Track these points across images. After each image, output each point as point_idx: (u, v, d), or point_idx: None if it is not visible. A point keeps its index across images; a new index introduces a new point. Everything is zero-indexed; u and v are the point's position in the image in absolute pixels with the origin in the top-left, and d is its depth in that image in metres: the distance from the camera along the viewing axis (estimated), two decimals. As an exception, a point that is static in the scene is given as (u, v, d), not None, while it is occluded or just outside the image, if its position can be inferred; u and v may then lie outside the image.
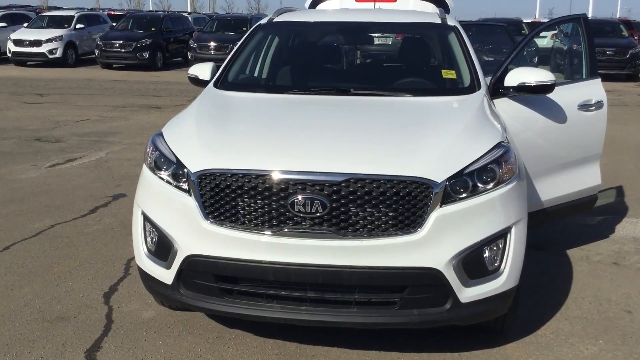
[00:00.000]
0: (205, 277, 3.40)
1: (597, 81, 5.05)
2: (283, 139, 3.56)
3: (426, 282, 3.24)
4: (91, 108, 13.60)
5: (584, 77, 5.12)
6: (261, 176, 3.23)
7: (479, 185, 3.31)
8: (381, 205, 3.17)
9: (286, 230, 3.22)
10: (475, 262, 3.29)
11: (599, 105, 4.96)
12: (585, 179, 5.08)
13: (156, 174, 3.59)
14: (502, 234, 3.37)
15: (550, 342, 3.90)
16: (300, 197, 3.17)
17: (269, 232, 3.24)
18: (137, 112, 13.05)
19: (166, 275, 3.50)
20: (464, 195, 3.26)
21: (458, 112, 4.00)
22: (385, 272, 3.20)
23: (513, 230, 3.40)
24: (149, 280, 3.67)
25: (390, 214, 3.17)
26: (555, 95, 4.69)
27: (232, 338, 3.89)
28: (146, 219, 3.63)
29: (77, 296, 4.45)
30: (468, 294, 3.29)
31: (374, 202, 3.17)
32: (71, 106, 13.87)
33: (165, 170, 3.55)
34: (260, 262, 3.26)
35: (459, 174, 3.26)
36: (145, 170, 3.72)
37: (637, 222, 6.28)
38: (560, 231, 6.05)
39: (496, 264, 3.38)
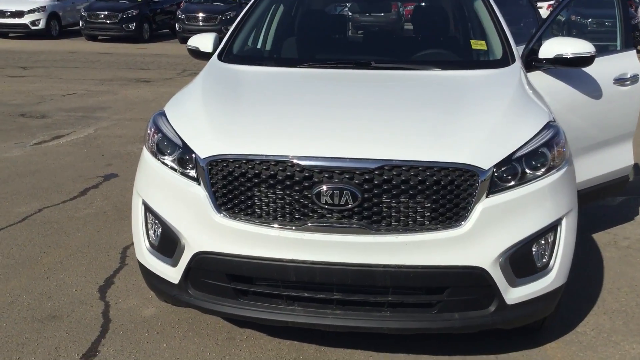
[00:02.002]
0: (217, 276, 3.01)
1: (632, 53, 4.66)
2: (305, 120, 3.14)
3: (469, 282, 2.86)
4: (77, 82, 13.05)
5: (619, 48, 4.72)
6: (282, 163, 2.82)
7: (528, 172, 2.92)
8: (419, 195, 2.77)
9: (310, 224, 2.82)
10: (523, 259, 2.92)
11: (634, 79, 4.58)
12: (618, 159, 4.72)
13: (159, 159, 3.17)
14: (553, 227, 2.99)
15: (592, 340, 3.56)
16: (327, 187, 2.76)
17: (291, 227, 2.84)
18: (125, 86, 12.52)
19: (172, 274, 3.10)
20: (512, 183, 2.87)
21: (497, 88, 3.59)
22: (423, 272, 2.82)
23: (564, 221, 3.03)
24: (151, 278, 3.27)
25: (430, 205, 2.78)
26: (589, 69, 4.29)
27: (244, 339, 3.50)
28: (148, 209, 3.21)
29: (70, 291, 4.05)
30: (515, 294, 2.92)
31: (412, 193, 2.77)
32: (56, 80, 13.31)
33: (170, 154, 3.13)
34: (281, 260, 2.87)
35: (508, 160, 2.87)
36: (146, 155, 3.30)
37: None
38: (581, 214, 5.65)
39: (545, 260, 3.01)
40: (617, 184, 4.82)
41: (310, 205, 2.82)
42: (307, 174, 2.79)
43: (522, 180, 2.90)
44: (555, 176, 2.98)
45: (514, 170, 2.88)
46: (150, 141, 3.27)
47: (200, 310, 3.18)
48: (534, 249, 2.95)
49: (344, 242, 2.81)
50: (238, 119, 3.16)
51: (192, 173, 3.00)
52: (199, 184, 2.96)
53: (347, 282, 2.85)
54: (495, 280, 2.84)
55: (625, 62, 4.60)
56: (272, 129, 3.04)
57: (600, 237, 5.11)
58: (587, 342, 3.54)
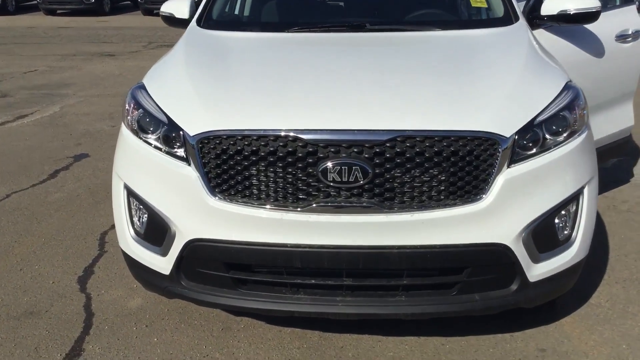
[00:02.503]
0: (214, 265, 2.73)
1: (632, 8, 4.44)
2: (305, 89, 2.84)
3: (491, 261, 2.63)
4: (38, 58, 12.49)
5: (618, 3, 4.48)
6: (282, 138, 2.54)
7: (549, 138, 2.68)
8: (436, 168, 2.52)
9: (315, 205, 2.55)
10: (546, 233, 2.70)
11: (636, 35, 4.37)
12: (620, 119, 4.54)
13: (141, 138, 2.86)
14: (575, 196, 2.77)
15: (608, 313, 3.37)
16: (333, 162, 2.49)
17: (295, 209, 2.57)
18: (89, 61, 12.01)
19: (162, 264, 2.82)
20: (533, 151, 2.63)
21: (507, 48, 3.32)
22: (442, 252, 2.58)
23: (586, 190, 2.81)
24: (138, 269, 2.98)
25: (447, 179, 2.53)
26: (591, 25, 4.06)
27: (242, 329, 3.24)
28: (131, 194, 2.91)
29: (47, 283, 3.73)
30: (537, 271, 2.70)
31: (427, 166, 2.52)
32: (16, 56, 12.72)
33: (153, 132, 2.82)
34: (285, 245, 2.60)
35: (529, 126, 2.62)
36: (126, 133, 2.98)
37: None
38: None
39: (566, 232, 2.79)
40: (619, 145, 4.64)
41: (315, 184, 2.54)
42: (310, 149, 2.52)
43: (544, 147, 2.66)
44: (577, 141, 2.75)
45: (535, 137, 2.64)
46: (129, 118, 2.95)
47: (195, 302, 2.90)
48: (556, 221, 2.73)
49: (354, 223, 2.55)
50: (230, 91, 2.85)
51: (180, 152, 2.70)
52: (189, 165, 2.67)
53: (358, 266, 2.60)
54: (518, 257, 2.62)
55: (626, 17, 4.38)
56: (270, 100, 2.74)
57: (598, 202, 4.92)
58: (604, 315, 3.35)
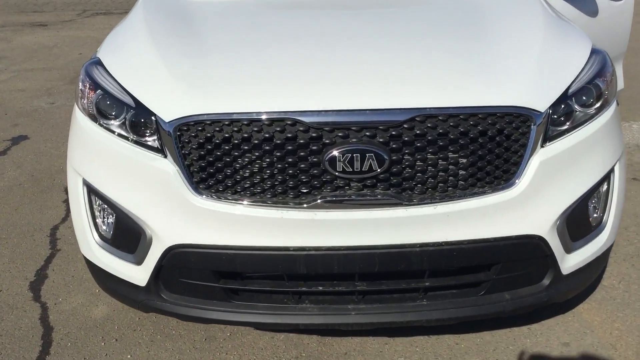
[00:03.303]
0: (200, 274, 2.31)
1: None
2: (303, 62, 2.39)
3: (524, 255, 2.29)
4: (-39, 29, 11.49)
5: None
6: (279, 122, 2.12)
7: (579, 110, 2.33)
8: (461, 152, 2.15)
9: (320, 200, 2.15)
10: (580, 219, 2.38)
11: (627, -9, 4.07)
12: None
13: (101, 125, 2.38)
14: (607, 175, 2.44)
15: (624, 296, 3.11)
16: (341, 149, 2.09)
17: (297, 205, 2.16)
18: (19, 32, 11.11)
19: (136, 274, 2.38)
20: (565, 127, 2.28)
21: (521, 8, 2.92)
22: (469, 248, 2.22)
23: (617, 167, 2.49)
24: (106, 280, 2.53)
25: (475, 163, 2.17)
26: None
27: (228, 338, 2.84)
28: (92, 191, 2.44)
29: (-7, 292, 3.24)
30: (570, 262, 2.38)
31: (452, 149, 2.14)
32: (-64, 29, 11.68)
33: (116, 117, 2.35)
34: (287, 249, 2.20)
35: (563, 98, 2.27)
36: (81, 119, 2.49)
37: (630, 125, 5.57)
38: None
39: (596, 215, 2.48)
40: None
41: (320, 176, 2.14)
42: (314, 134, 2.11)
43: (575, 122, 2.32)
44: (609, 114, 2.43)
45: (568, 110, 2.29)
46: (85, 100, 2.46)
47: (179, 318, 2.48)
48: (589, 205, 2.41)
49: (368, 220, 2.17)
50: (211, 65, 2.39)
51: (153, 142, 2.25)
52: (165, 156, 2.22)
53: (373, 269, 2.23)
54: (553, 249, 2.29)
55: None
56: (261, 76, 2.29)
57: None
58: (621, 299, 3.08)
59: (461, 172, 2.17)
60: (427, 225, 2.18)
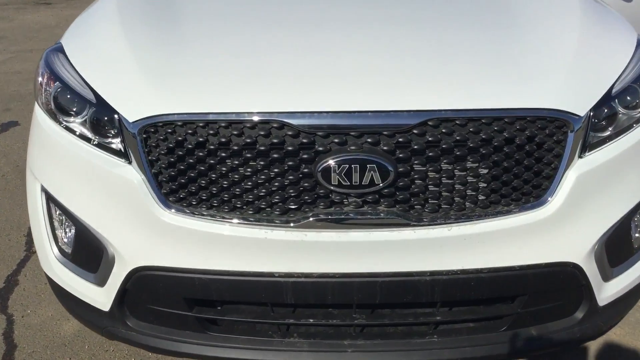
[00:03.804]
0: (171, 302, 1.97)
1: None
2: (293, 53, 2.00)
3: (555, 285, 1.93)
4: (-38, 7, 11.18)
5: None
6: (263, 124, 1.76)
7: (622, 113, 1.95)
8: (482, 163, 1.78)
9: (312, 218, 1.79)
10: (621, 242, 2.01)
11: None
12: None
13: (61, 122, 2.03)
14: None
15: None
16: (338, 158, 1.73)
17: (283, 224, 1.81)
18: (21, 10, 10.78)
19: (99, 297, 2.04)
20: (607, 133, 1.90)
21: None
22: (490, 277, 1.86)
23: None
24: (68, 300, 2.20)
25: (498, 177, 1.80)
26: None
27: None
28: (51, 199, 2.09)
29: (-44, 301, 2.92)
30: (608, 291, 2.02)
31: (471, 159, 1.77)
32: (-63, 6, 11.38)
33: (77, 115, 1.99)
34: (272, 275, 1.84)
35: (606, 99, 1.89)
36: (40, 115, 2.14)
37: None
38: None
39: (638, 234, 2.10)
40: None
41: (312, 189, 1.79)
42: (305, 140, 1.74)
43: (618, 127, 1.93)
44: None
45: (612, 111, 1.91)
46: (43, 94, 2.11)
47: (147, 349, 2.14)
48: (632, 225, 2.03)
49: (369, 243, 1.82)
50: (185, 57, 2.01)
51: (117, 144, 1.89)
52: (129, 162, 1.87)
53: (374, 300, 1.87)
54: (589, 277, 1.92)
55: None
56: (243, 70, 1.92)
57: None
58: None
59: (482, 187, 1.80)
60: (439, 250, 1.82)
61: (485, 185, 1.80)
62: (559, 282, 1.91)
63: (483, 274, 1.84)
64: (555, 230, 1.84)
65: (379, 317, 1.95)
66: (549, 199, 1.83)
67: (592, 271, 1.92)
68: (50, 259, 2.16)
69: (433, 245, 1.82)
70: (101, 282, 2.02)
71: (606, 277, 1.99)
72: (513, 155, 1.78)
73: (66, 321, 2.77)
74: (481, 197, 1.81)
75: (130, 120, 1.84)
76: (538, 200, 1.84)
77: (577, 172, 1.83)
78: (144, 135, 1.83)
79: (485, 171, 1.79)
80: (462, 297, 1.89)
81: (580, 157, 1.84)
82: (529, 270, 1.86)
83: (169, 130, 1.81)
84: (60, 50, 2.18)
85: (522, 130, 1.78)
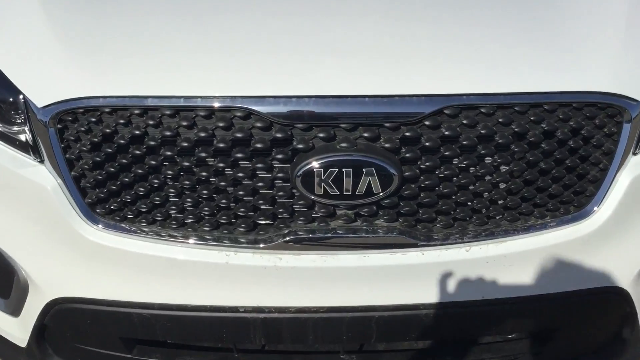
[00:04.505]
0: (104, 341, 1.52)
1: None
2: (264, 20, 1.46)
3: (594, 315, 1.53)
4: None
5: None
6: (223, 112, 1.30)
7: None
8: (514, 164, 1.35)
9: (289, 238, 1.36)
10: None
11: None
12: None
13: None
14: None
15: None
16: (324, 159, 1.29)
17: (250, 244, 1.37)
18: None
19: (13, 329, 1.61)
20: None
21: None
22: (516, 308, 1.45)
23: None
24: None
25: (532, 182, 1.38)
26: None
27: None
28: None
29: None
30: None
31: (498, 159, 1.34)
32: None
33: None
34: (235, 309, 1.41)
35: None
36: None
37: None
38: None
39: None
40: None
41: (289, 199, 1.34)
42: (279, 135, 1.29)
43: None
44: None
45: None
46: None
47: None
48: None
49: (363, 269, 1.39)
50: (114, 26, 1.46)
51: (24, 135, 1.40)
52: (41, 161, 1.39)
53: (370, 340, 1.46)
54: (636, 304, 1.53)
55: None
56: (194, 42, 1.40)
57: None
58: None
59: (510, 194, 1.38)
60: (453, 277, 1.40)
61: (514, 192, 1.38)
62: (599, 311, 1.52)
63: (507, 305, 1.43)
64: (599, 249, 1.44)
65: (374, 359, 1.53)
66: (595, 208, 1.42)
67: (638, 296, 1.53)
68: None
69: (445, 271, 1.40)
70: (14, 311, 1.57)
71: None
72: (552, 152, 1.36)
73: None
74: (509, 209, 1.39)
75: (40, 105, 1.35)
76: (580, 210, 1.42)
77: (631, 173, 1.41)
78: (59, 126, 1.35)
79: (517, 175, 1.36)
80: (481, 334, 1.49)
81: (634, 153, 1.42)
82: (564, 298, 1.46)
83: (93, 120, 1.33)
84: None
85: (565, 120, 1.35)
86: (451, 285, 1.41)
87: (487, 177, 1.37)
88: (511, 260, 1.41)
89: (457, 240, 1.39)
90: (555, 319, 1.51)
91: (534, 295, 1.44)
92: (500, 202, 1.39)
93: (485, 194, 1.38)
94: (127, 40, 1.41)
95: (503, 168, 1.36)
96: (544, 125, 1.34)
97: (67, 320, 1.49)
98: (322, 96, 1.29)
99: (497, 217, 1.40)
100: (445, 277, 1.40)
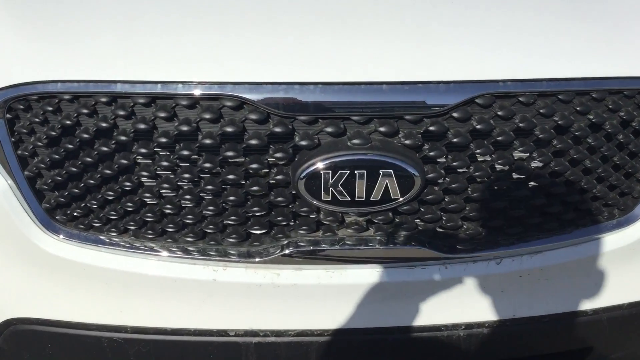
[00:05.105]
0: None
1: None
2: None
3: (632, 331, 1.35)
4: None
5: None
6: (210, 100, 1.08)
7: None
8: (553, 162, 1.15)
9: (289, 250, 1.15)
10: None
11: None
12: None
13: None
14: None
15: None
16: (330, 159, 1.07)
17: (243, 258, 1.15)
18: None
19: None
20: None
21: None
22: (551, 327, 1.27)
23: None
24: None
25: (576, 182, 1.18)
26: None
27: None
28: None
29: None
30: None
31: (537, 157, 1.15)
32: None
33: None
34: (224, 332, 1.21)
35: None
36: None
37: None
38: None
39: None
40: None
41: (289, 206, 1.13)
42: (278, 129, 1.07)
43: None
44: None
45: None
46: None
47: None
48: None
49: (378, 286, 1.18)
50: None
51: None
52: (-10, 158, 1.16)
53: None
54: None
55: None
56: (173, 18, 1.16)
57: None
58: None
59: (550, 198, 1.18)
60: (482, 294, 1.20)
61: (554, 195, 1.18)
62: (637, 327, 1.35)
63: (542, 323, 1.24)
64: (641, 258, 1.26)
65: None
66: None
67: None
68: None
69: (473, 287, 1.20)
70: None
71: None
72: (599, 148, 1.16)
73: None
74: (547, 214, 1.19)
75: (-16, 92, 1.11)
76: (626, 215, 1.23)
77: None
78: (9, 116, 1.11)
79: (559, 175, 1.16)
80: (511, 357, 1.30)
81: (688, 149, 1.23)
82: (605, 314, 1.27)
83: (50, 109, 1.10)
84: None
85: (614, 110, 1.15)
86: (478, 303, 1.21)
87: (523, 177, 1.17)
88: (548, 274, 1.21)
89: (486, 251, 1.18)
90: (589, 338, 1.32)
91: (570, 311, 1.25)
92: (537, 207, 1.18)
93: (521, 198, 1.17)
94: (92, 16, 1.17)
95: (541, 167, 1.16)
96: (591, 117, 1.13)
97: (24, 344, 1.27)
98: (330, 82, 1.07)
99: (533, 225, 1.20)
100: (471, 293, 1.20)
